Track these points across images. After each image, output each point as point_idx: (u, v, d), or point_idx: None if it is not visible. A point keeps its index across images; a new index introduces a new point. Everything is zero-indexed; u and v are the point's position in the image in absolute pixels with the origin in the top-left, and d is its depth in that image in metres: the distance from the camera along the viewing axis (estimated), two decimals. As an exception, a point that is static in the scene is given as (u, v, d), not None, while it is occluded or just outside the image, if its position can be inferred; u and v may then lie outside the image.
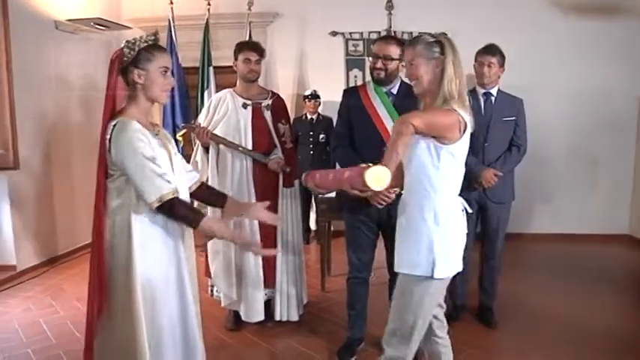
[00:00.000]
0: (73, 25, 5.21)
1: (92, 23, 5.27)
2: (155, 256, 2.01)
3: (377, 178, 1.78)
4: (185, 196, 2.15)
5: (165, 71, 2.04)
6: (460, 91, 2.02)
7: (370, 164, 1.83)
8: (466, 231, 2.16)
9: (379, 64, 2.81)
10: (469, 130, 2.03)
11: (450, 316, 3.51)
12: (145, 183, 1.93)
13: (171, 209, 1.97)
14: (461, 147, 2.04)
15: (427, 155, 2.01)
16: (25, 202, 4.74)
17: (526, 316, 3.68)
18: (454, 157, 2.03)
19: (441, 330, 2.31)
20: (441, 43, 2.02)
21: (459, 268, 2.12)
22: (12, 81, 4.30)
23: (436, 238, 2.01)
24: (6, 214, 4.58)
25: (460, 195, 3.35)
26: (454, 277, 3.46)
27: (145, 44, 2.00)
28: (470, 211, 2.17)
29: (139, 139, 1.93)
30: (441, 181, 2.03)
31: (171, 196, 1.95)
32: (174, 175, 2.10)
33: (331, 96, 5.46)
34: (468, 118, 2.01)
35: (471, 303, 3.68)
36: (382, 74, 2.82)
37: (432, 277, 2.01)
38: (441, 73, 2.01)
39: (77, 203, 5.32)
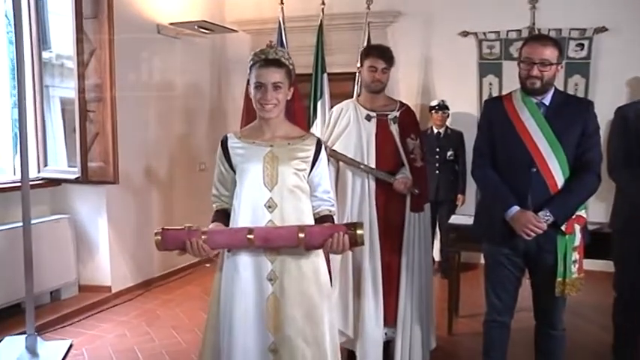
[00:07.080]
0: (175, 29, 5.59)
1: (196, 26, 5.64)
2: (236, 285, 2.27)
3: None
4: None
5: (259, 86, 2.26)
6: None
7: None
8: None
9: (535, 72, 2.67)
10: None
11: None
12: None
13: None
14: None
15: None
16: (122, 219, 5.09)
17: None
18: None
19: None
20: None
21: None
22: (115, 89, 4.59)
23: None
24: (103, 230, 4.94)
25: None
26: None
27: (252, 60, 2.30)
28: None
29: (221, 153, 2.38)
30: None
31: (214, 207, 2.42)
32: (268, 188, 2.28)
33: (461, 107, 5.47)
34: None
35: None
36: (538, 83, 2.70)
37: None
38: None
39: (176, 222, 5.62)
